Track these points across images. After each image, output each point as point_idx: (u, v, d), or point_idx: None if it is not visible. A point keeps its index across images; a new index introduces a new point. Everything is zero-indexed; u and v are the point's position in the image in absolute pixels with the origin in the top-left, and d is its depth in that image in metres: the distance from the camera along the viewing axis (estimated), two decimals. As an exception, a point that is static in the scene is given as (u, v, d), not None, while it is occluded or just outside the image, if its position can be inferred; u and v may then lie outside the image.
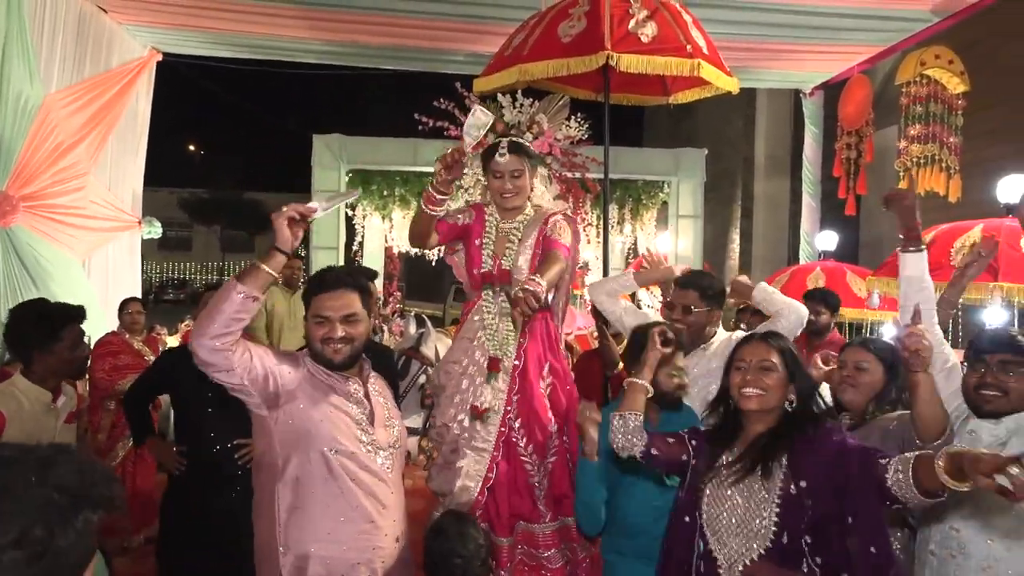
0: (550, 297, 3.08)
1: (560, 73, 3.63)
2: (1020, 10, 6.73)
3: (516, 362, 2.94)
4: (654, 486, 2.43)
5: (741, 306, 4.77)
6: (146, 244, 7.58)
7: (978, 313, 4.69)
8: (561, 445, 2.95)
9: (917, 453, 1.78)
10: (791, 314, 2.79)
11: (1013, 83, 6.83)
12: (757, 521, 1.90)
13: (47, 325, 2.60)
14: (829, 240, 6.84)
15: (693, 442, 2.12)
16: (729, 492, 1.96)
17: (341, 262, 8.66)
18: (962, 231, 4.10)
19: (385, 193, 9.23)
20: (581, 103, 4.05)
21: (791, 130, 11.30)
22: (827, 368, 2.84)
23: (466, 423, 2.90)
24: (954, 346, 2.90)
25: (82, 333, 2.72)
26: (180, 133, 31.49)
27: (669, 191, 9.85)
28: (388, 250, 9.78)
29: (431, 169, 2.66)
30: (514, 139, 3.00)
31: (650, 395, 2.26)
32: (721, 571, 1.93)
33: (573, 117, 3.42)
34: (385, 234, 9.62)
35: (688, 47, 3.57)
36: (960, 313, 5.71)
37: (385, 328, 7.14)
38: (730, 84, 3.82)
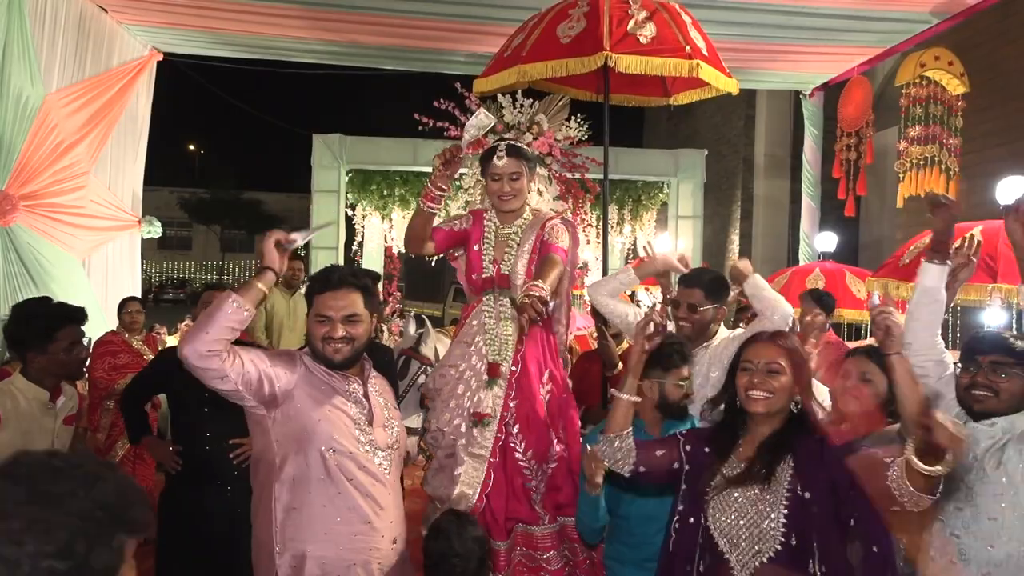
0: (552, 304, 3.07)
1: (559, 74, 3.63)
2: (1020, 12, 6.73)
3: (514, 368, 2.93)
4: (656, 497, 2.39)
5: (741, 306, 4.77)
6: (146, 243, 7.59)
7: (977, 315, 4.69)
8: (561, 453, 2.94)
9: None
10: (774, 314, 2.77)
11: (1013, 85, 6.83)
12: (766, 523, 1.89)
13: (43, 325, 2.59)
14: (829, 241, 6.84)
15: (688, 447, 2.08)
16: (736, 495, 1.94)
17: (341, 262, 8.66)
18: (961, 233, 4.09)
19: (385, 193, 9.24)
20: (581, 104, 4.05)
21: (791, 131, 11.29)
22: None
23: (463, 429, 2.89)
24: (953, 347, 2.91)
25: (80, 334, 2.70)
26: (180, 133, 31.58)
27: (669, 192, 9.86)
28: (388, 250, 9.78)
29: (431, 169, 2.67)
30: (512, 142, 3.00)
31: (654, 402, 2.20)
32: (735, 573, 1.90)
33: (573, 118, 3.42)
34: (385, 234, 9.62)
35: (687, 48, 3.57)
36: (959, 315, 5.72)
37: (384, 328, 7.14)
38: (729, 85, 3.82)
